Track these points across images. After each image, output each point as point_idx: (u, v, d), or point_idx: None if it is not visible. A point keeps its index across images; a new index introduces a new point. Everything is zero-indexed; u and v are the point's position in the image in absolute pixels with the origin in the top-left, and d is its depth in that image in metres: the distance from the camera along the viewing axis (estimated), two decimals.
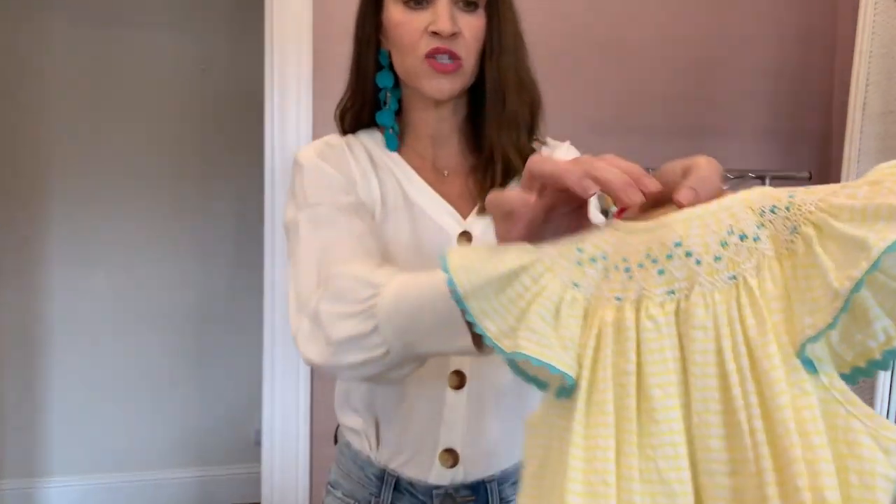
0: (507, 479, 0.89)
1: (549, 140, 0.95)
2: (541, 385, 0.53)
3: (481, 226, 0.86)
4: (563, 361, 0.47)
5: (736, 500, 0.42)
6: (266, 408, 1.86)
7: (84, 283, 2.83)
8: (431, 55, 0.82)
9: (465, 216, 0.87)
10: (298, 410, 1.86)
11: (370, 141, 0.92)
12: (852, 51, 2.01)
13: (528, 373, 0.53)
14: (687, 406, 0.45)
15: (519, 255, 0.51)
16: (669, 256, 0.47)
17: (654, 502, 0.44)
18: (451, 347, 0.64)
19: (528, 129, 0.89)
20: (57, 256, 2.81)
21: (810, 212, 0.43)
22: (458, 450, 0.85)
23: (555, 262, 0.50)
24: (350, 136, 0.93)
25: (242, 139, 2.89)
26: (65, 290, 2.82)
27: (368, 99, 0.91)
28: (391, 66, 0.88)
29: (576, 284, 0.49)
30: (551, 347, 0.48)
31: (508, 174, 0.86)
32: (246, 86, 2.85)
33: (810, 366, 0.42)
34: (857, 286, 0.39)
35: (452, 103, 0.89)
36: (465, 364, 0.84)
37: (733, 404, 0.43)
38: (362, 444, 0.89)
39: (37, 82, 2.76)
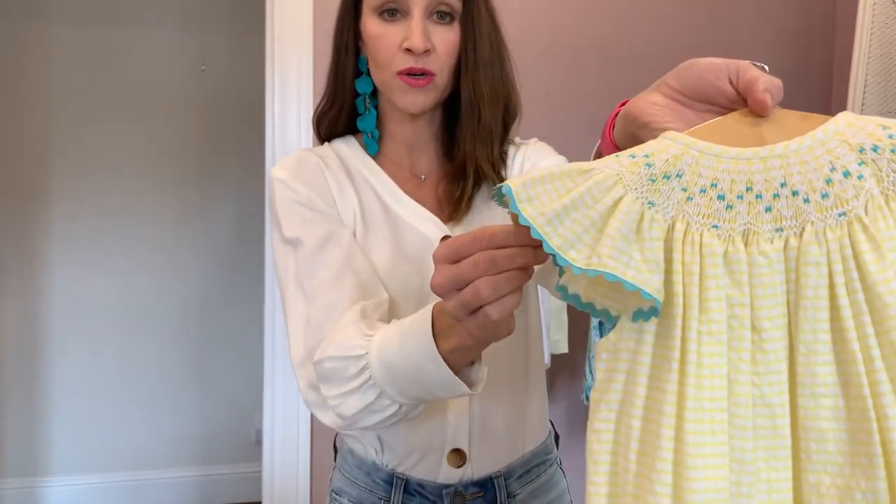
0: (513, 474, 0.90)
1: (517, 139, 0.96)
2: (600, 314, 0.53)
3: (462, 231, 0.87)
4: (652, 285, 0.47)
5: (838, 418, 0.46)
6: (267, 407, 1.87)
7: (85, 284, 2.83)
8: (404, 73, 0.83)
9: (445, 220, 0.88)
10: (299, 410, 1.86)
11: (346, 149, 0.93)
12: (851, 52, 2.01)
13: (589, 300, 0.52)
14: (791, 336, 0.48)
15: (576, 164, 0.51)
16: (776, 196, 0.48)
17: (756, 424, 0.47)
18: (454, 393, 0.69)
19: (500, 139, 0.90)
20: (58, 257, 2.81)
21: None
22: (466, 449, 0.86)
23: (623, 174, 0.49)
24: (325, 147, 0.93)
25: (242, 139, 2.90)
26: (66, 292, 2.82)
27: (347, 104, 0.91)
28: (370, 72, 0.88)
29: (651, 203, 0.49)
30: (639, 270, 0.47)
31: (478, 184, 0.88)
32: (246, 86, 2.85)
33: None
34: None
35: (428, 115, 0.90)
36: None
37: (845, 335, 0.46)
38: (367, 450, 0.89)
39: (37, 83, 2.77)
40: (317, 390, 0.76)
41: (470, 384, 0.70)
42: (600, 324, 1.85)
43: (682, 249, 0.49)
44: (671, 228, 0.49)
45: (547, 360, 1.76)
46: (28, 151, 2.78)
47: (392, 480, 0.87)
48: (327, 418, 0.76)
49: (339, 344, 0.73)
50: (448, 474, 0.86)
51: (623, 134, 0.58)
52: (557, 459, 1.00)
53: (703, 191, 0.49)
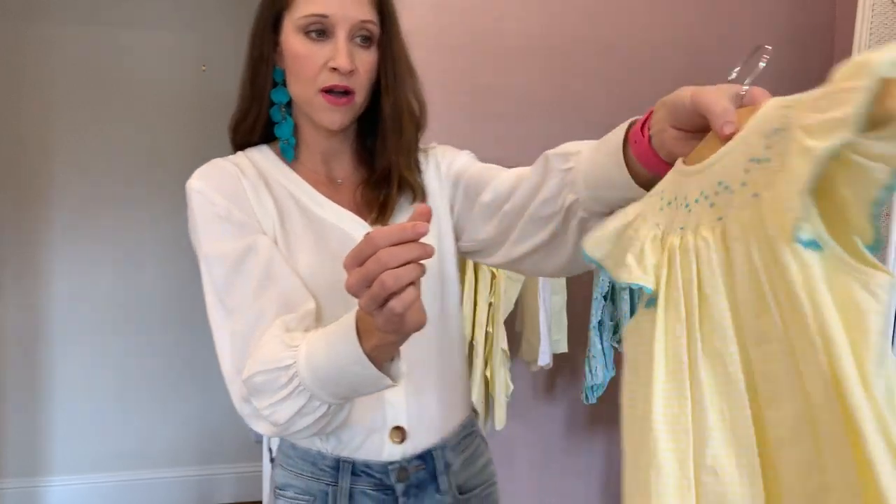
0: (448, 445, 0.97)
1: (419, 145, 1.04)
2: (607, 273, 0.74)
3: None
4: (642, 279, 0.66)
5: (769, 360, 0.58)
6: None
7: (86, 283, 2.84)
8: (328, 90, 0.88)
9: (371, 223, 0.95)
10: None
11: (261, 158, 0.96)
12: (850, 52, 2.02)
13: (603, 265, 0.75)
14: (733, 300, 0.61)
15: (626, 212, 0.71)
16: (717, 193, 0.62)
17: (714, 371, 0.61)
18: (378, 388, 0.77)
19: (416, 149, 0.99)
20: (58, 257, 2.81)
21: (794, 132, 0.56)
22: (405, 425, 0.92)
23: (646, 211, 0.69)
24: (240, 155, 0.97)
25: None
26: (67, 291, 2.83)
27: (262, 114, 0.95)
28: (286, 84, 0.93)
29: (657, 224, 0.68)
30: (633, 273, 0.67)
31: (402, 190, 0.96)
32: None
33: (814, 244, 0.55)
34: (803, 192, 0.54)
35: (343, 130, 0.95)
36: None
37: (762, 289, 0.58)
38: (311, 441, 0.93)
39: (37, 83, 2.77)
40: (249, 402, 0.81)
41: (391, 378, 0.76)
42: (599, 323, 1.86)
43: (657, 253, 0.67)
44: (663, 240, 0.67)
45: (548, 360, 1.77)
46: (28, 151, 2.78)
47: (338, 466, 0.91)
48: (261, 427, 0.81)
49: (265, 359, 0.78)
50: (391, 451, 0.92)
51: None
52: (480, 431, 1.08)
53: (679, 205, 0.65)
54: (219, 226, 0.88)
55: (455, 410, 0.99)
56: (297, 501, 0.94)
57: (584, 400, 1.89)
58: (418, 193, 0.96)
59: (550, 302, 1.79)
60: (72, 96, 2.80)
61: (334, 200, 0.94)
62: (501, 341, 1.73)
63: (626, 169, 0.71)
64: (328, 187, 0.96)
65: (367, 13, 0.89)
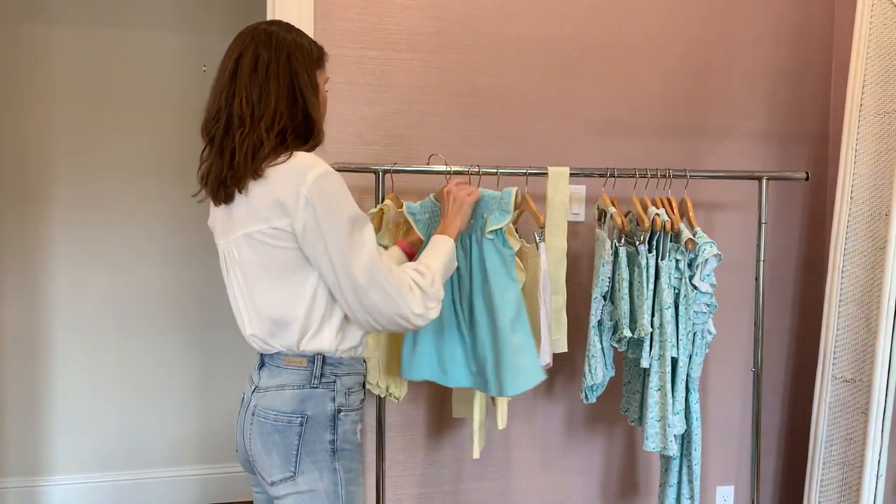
0: None
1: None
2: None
3: None
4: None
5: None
6: None
7: (86, 283, 2.84)
8: None
9: None
10: None
11: None
12: (849, 52, 2.02)
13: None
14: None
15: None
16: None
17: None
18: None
19: None
20: (59, 257, 2.82)
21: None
22: None
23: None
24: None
25: None
26: (67, 291, 2.83)
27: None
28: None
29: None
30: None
31: None
32: None
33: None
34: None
35: None
36: None
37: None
38: (356, 351, 1.35)
39: (38, 84, 2.77)
40: (423, 290, 1.28)
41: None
42: (599, 323, 1.86)
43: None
44: None
45: (548, 359, 1.77)
46: (29, 151, 2.78)
47: (363, 362, 1.39)
48: (430, 305, 1.29)
49: (423, 270, 1.32)
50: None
51: None
52: None
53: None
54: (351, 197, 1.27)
55: None
56: (360, 393, 1.36)
57: (584, 399, 1.89)
58: None
59: (550, 301, 1.79)
60: (72, 97, 2.80)
61: None
62: None
63: None
64: None
65: None
